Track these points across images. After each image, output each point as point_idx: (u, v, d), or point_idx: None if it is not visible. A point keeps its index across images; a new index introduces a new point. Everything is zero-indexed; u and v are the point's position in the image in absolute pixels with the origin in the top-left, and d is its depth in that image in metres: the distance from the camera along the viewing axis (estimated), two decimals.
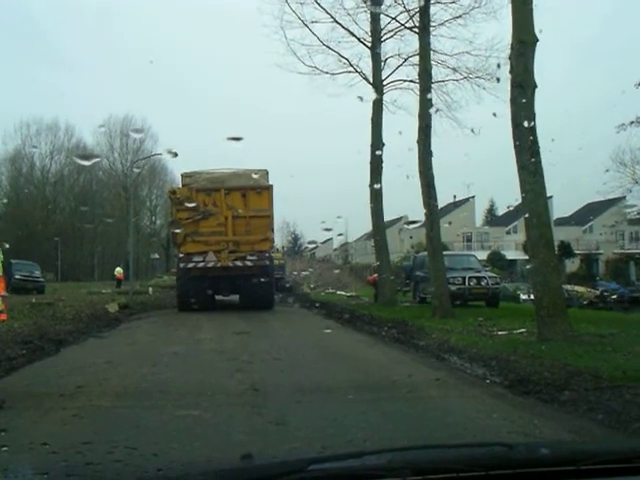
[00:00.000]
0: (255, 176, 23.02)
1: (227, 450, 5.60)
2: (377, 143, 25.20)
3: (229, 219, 22.62)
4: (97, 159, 69.14)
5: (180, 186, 24.53)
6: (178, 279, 24.33)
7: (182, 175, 24.58)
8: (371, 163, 25.38)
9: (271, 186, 23.38)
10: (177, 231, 23.02)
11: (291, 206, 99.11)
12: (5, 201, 64.78)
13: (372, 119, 25.36)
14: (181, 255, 23.57)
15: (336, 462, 2.03)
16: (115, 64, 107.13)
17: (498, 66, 21.99)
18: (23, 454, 5.31)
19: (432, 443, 3.98)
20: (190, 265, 22.70)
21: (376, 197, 25.52)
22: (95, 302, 25.21)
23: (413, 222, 38.97)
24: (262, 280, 22.60)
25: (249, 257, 22.67)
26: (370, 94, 25.87)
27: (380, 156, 24.98)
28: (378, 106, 25.31)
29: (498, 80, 21.33)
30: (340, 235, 67.38)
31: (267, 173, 24.15)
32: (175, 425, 6.44)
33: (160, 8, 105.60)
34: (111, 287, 41.51)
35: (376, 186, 24.88)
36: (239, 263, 22.60)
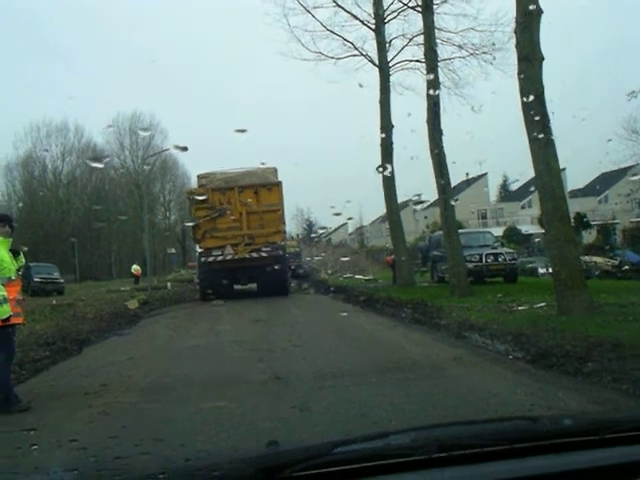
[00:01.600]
0: (265, 173, 25.12)
1: (253, 438, 5.63)
2: (386, 125, 25.10)
3: (243, 215, 24.35)
4: (107, 159, 69.33)
5: (196, 186, 26.20)
6: (199, 272, 25.87)
7: (198, 176, 26.35)
8: (381, 145, 25.27)
9: (280, 182, 25.26)
10: (190, 224, 25.14)
11: (305, 193, 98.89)
12: (20, 205, 65.15)
13: (380, 101, 25.26)
14: (201, 250, 25.08)
15: (361, 444, 2.04)
16: (119, 62, 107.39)
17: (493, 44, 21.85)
18: (52, 452, 5.37)
19: (456, 420, 3.99)
20: (210, 259, 24.30)
21: (388, 179, 25.44)
22: (114, 300, 25.36)
23: (421, 202, 38.62)
24: (276, 268, 23.90)
25: (263, 248, 24.31)
26: (376, 76, 25.77)
27: (390, 137, 24.91)
28: (385, 87, 25.19)
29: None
30: (350, 219, 67.24)
31: (276, 170, 25.75)
32: (200, 417, 6.49)
33: (162, 4, 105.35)
34: (129, 284, 41.73)
35: (387, 171, 24.75)
36: (255, 254, 24.24)
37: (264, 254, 24.31)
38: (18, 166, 69.77)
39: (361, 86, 24.73)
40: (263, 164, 25.35)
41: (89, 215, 69.92)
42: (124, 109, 75.96)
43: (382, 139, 25.31)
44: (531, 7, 12.78)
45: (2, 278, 7.41)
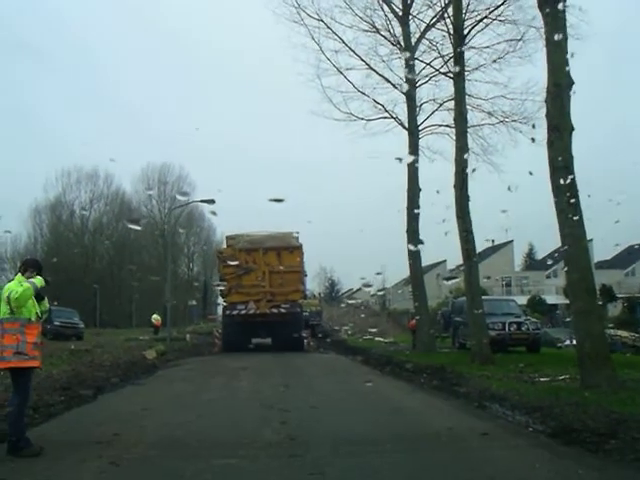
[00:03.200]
0: (287, 237, 28.14)
1: None
2: (413, 188, 25.19)
3: (266, 274, 26.94)
4: (144, 220, 70.39)
5: (224, 245, 29.51)
6: (223, 324, 28.28)
7: (226, 237, 29.82)
8: (407, 209, 25.32)
9: (301, 246, 28.13)
10: (221, 287, 28.29)
11: (327, 250, 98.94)
12: (46, 248, 65.90)
13: (408, 164, 25.40)
14: (226, 304, 27.72)
15: None
16: (155, 113, 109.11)
17: (533, 127, 21.96)
18: None
19: None
20: (234, 312, 26.89)
21: (413, 241, 25.36)
22: (133, 349, 25.33)
23: (452, 278, 38.80)
24: (293, 324, 26.47)
25: (283, 305, 26.70)
26: (405, 139, 25.98)
27: (417, 201, 24.97)
28: (414, 151, 25.35)
29: (534, 126, 21.26)
30: (381, 291, 66.88)
31: (297, 235, 28.65)
32: (210, 473, 6.38)
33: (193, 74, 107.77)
34: (148, 334, 41.69)
35: (412, 247, 24.63)
36: (275, 310, 26.59)
37: (283, 310, 26.51)
38: (47, 209, 70.87)
39: (400, 160, 24.76)
40: (294, 232, 28.46)
41: (113, 263, 70.49)
42: (154, 159, 76.72)
43: (408, 202, 25.38)
44: (562, 78, 12.88)
45: (21, 319, 7.45)
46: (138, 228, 65.47)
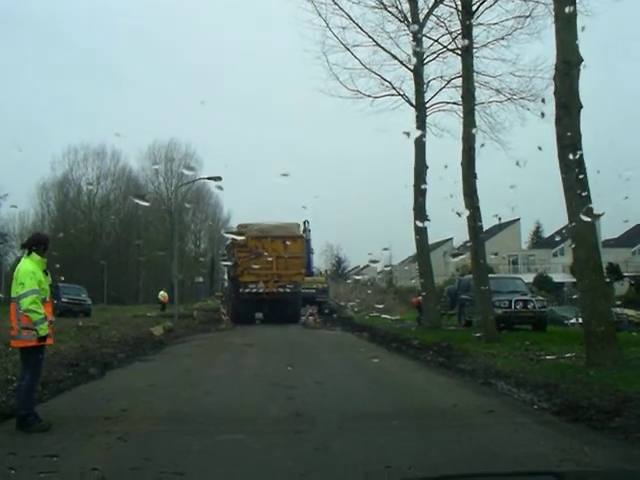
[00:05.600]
0: (291, 227, 33.35)
1: (270, 475, 5.56)
2: (420, 165, 25.08)
3: (274, 258, 31.29)
4: (149, 196, 70.48)
5: (237, 233, 32.74)
6: (233, 301, 32.99)
7: (238, 225, 35.38)
8: (415, 186, 25.22)
9: (302, 236, 34.70)
10: (228, 264, 34.15)
11: (335, 228, 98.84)
12: (53, 225, 66.02)
13: (415, 141, 25.27)
14: (239, 282, 32.05)
15: None
16: (162, 87, 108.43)
17: (543, 101, 21.70)
18: None
19: (479, 471, 3.89)
20: (246, 290, 31.55)
21: (419, 219, 25.29)
22: (140, 325, 25.43)
23: (458, 254, 39.14)
24: (293, 302, 32.27)
25: (287, 286, 31.86)
26: (412, 116, 25.83)
27: (424, 178, 24.88)
28: (421, 128, 25.19)
29: (543, 101, 21.07)
30: (387, 267, 66.76)
31: (299, 225, 34.95)
32: (220, 449, 6.43)
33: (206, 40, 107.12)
34: (156, 310, 41.83)
35: (419, 224, 24.57)
36: (280, 289, 31.70)
37: (288, 290, 31.81)
38: (54, 187, 70.85)
39: (408, 135, 24.63)
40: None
41: (120, 239, 70.61)
42: (161, 136, 76.46)
43: (415, 179, 25.30)
44: (571, 56, 12.77)
45: (41, 297, 7.51)
46: (145, 204, 65.58)
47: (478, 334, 18.98)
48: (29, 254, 7.71)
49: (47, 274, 7.79)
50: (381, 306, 43.55)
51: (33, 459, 5.94)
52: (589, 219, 12.40)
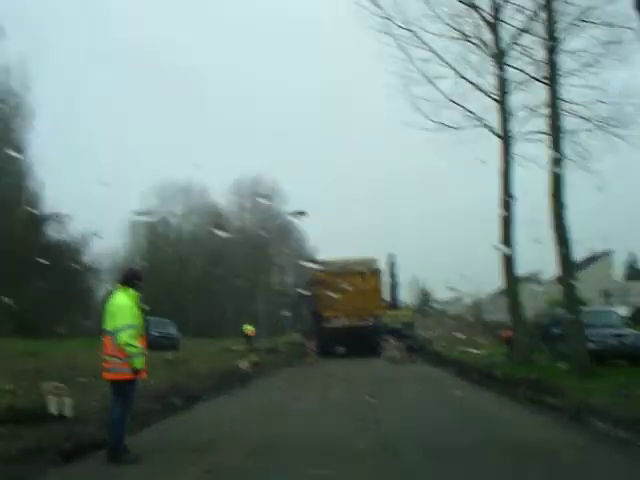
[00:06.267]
0: (368, 263, 35.24)
1: None
2: (507, 196, 24.59)
3: (353, 293, 32.24)
4: (158, 215, 72.07)
5: (317, 269, 35.38)
6: (319, 335, 33.17)
7: (319, 262, 36.94)
8: (501, 216, 24.72)
9: (379, 270, 36.34)
10: (305, 293, 36.64)
11: (422, 262, 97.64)
12: (144, 263, 67.82)
13: (501, 172, 24.85)
14: (322, 318, 33.77)
15: None
16: (249, 128, 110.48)
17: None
18: None
19: None
20: (329, 325, 33.22)
21: (507, 252, 24.76)
22: (227, 359, 25.67)
23: (535, 281, 38.84)
24: (374, 334, 33.37)
25: (368, 319, 33.57)
26: (496, 147, 25.41)
27: (511, 209, 24.36)
28: (507, 159, 24.77)
29: None
30: (476, 300, 66.03)
31: (376, 260, 36.42)
32: None
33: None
34: (242, 344, 42.17)
35: (506, 251, 24.03)
36: (362, 323, 33.20)
37: (369, 323, 33.47)
38: (143, 223, 72.92)
39: (484, 163, 24.21)
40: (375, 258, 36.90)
41: (207, 273, 71.87)
42: (247, 173, 77.54)
43: (502, 210, 24.79)
44: None
45: (136, 332, 7.66)
46: (225, 235, 66.65)
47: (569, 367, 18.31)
48: (125, 288, 7.87)
49: (141, 309, 7.94)
50: (477, 345, 42.71)
51: None
52: None
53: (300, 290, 46.97)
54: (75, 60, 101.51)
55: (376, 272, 35.40)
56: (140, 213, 67.34)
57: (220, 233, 63.28)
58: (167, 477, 6.62)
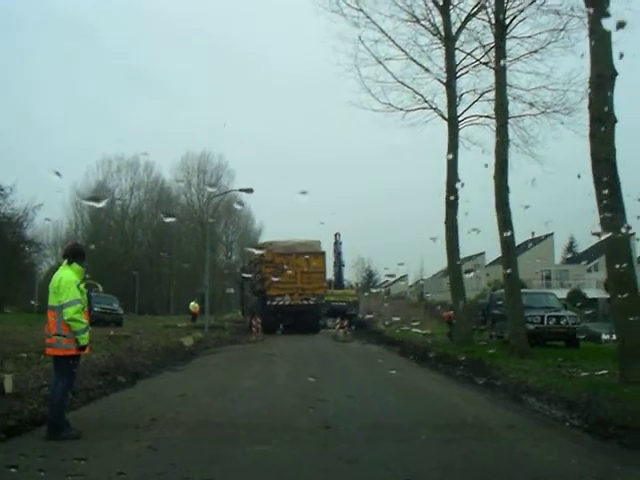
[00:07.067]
0: (313, 245, 36.29)
1: None
2: (453, 179, 24.92)
3: (298, 273, 34.33)
4: (106, 200, 71.07)
5: (262, 249, 36.16)
6: (262, 312, 33.65)
7: (264, 243, 39.56)
8: (446, 200, 25.05)
9: (324, 252, 37.86)
10: (248, 276, 39.01)
11: (368, 241, 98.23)
12: (86, 235, 66.72)
13: (447, 155, 25.16)
14: (266, 296, 34.63)
15: None
16: (196, 101, 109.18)
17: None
18: None
19: None
20: (273, 303, 34.03)
21: (451, 233, 25.13)
22: (171, 336, 25.57)
23: (470, 271, 40.29)
24: (315, 313, 35.74)
25: (310, 299, 34.78)
26: (444, 130, 25.71)
27: (456, 192, 24.69)
28: (453, 142, 25.09)
29: None
30: (402, 278, 67.20)
31: (320, 242, 37.64)
32: (247, 459, 6.44)
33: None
34: (186, 321, 41.98)
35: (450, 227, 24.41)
36: (304, 302, 34.50)
37: (311, 302, 34.74)
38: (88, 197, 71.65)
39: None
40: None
41: (152, 250, 71.16)
42: (194, 149, 76.71)
43: (447, 194, 25.11)
44: (605, 69, 12.64)
45: (84, 307, 7.63)
46: (172, 220, 65.87)
47: (509, 349, 18.80)
48: (69, 264, 7.79)
49: (85, 284, 7.89)
50: (416, 323, 43.35)
51: (62, 462, 6.02)
52: (622, 234, 12.25)
53: (245, 268, 47.31)
54: None
55: (320, 254, 36.69)
56: (88, 198, 66.07)
57: (169, 220, 62.87)
58: (109, 453, 6.63)
